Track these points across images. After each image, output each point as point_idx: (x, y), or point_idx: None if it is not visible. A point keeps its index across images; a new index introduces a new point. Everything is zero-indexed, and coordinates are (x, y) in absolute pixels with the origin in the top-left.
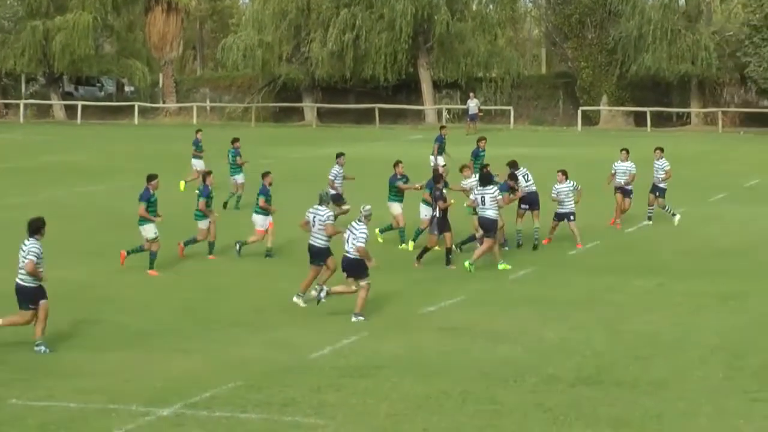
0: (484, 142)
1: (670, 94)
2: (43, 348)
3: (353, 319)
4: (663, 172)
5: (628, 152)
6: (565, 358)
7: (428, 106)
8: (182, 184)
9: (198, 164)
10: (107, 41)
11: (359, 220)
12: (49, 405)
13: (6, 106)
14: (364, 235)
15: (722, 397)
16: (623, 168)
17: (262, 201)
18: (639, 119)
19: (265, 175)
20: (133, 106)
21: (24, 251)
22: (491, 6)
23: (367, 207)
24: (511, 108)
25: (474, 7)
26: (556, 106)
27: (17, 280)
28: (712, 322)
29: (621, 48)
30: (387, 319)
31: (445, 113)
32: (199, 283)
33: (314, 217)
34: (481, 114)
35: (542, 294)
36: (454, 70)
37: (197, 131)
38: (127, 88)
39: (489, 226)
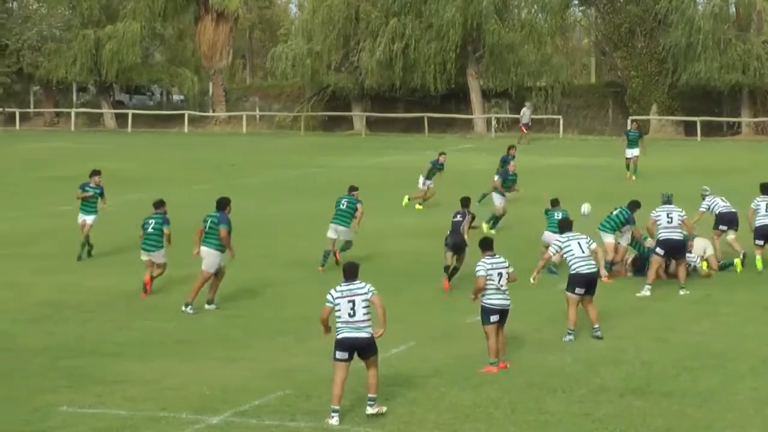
0: (513, 149)
1: (721, 104)
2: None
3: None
4: None
5: None
6: (614, 368)
7: (477, 115)
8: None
9: (426, 183)
10: (157, 50)
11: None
12: (100, 412)
13: (57, 114)
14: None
15: None
16: None
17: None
18: (689, 129)
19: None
20: (182, 114)
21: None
22: (541, 15)
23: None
24: (560, 117)
25: (523, 16)
26: (605, 116)
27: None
28: (761, 333)
29: (671, 57)
30: (434, 328)
31: (494, 122)
32: (244, 291)
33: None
34: (528, 124)
35: None
36: (504, 79)
37: (441, 154)
38: (175, 97)
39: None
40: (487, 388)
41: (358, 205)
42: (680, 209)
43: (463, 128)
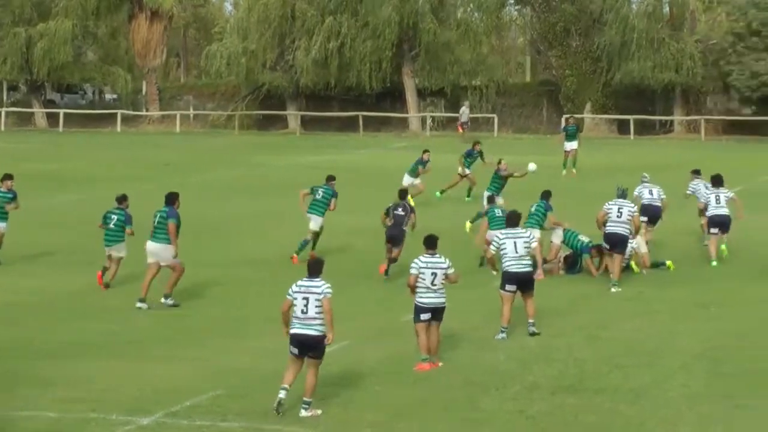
0: (479, 145)
1: (654, 102)
2: None
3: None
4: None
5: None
6: (547, 365)
7: (412, 114)
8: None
9: (409, 180)
10: (90, 48)
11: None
12: (28, 415)
13: None
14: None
15: (704, 404)
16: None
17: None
18: (622, 127)
19: None
20: (115, 114)
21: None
22: (476, 14)
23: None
24: (494, 116)
25: (459, 15)
26: (540, 115)
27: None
28: (692, 329)
29: (605, 56)
30: (369, 327)
31: (429, 121)
32: (188, 291)
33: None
34: (467, 123)
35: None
36: (440, 78)
37: (425, 151)
38: (108, 96)
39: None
40: (422, 387)
41: (333, 200)
42: (632, 205)
43: (399, 127)
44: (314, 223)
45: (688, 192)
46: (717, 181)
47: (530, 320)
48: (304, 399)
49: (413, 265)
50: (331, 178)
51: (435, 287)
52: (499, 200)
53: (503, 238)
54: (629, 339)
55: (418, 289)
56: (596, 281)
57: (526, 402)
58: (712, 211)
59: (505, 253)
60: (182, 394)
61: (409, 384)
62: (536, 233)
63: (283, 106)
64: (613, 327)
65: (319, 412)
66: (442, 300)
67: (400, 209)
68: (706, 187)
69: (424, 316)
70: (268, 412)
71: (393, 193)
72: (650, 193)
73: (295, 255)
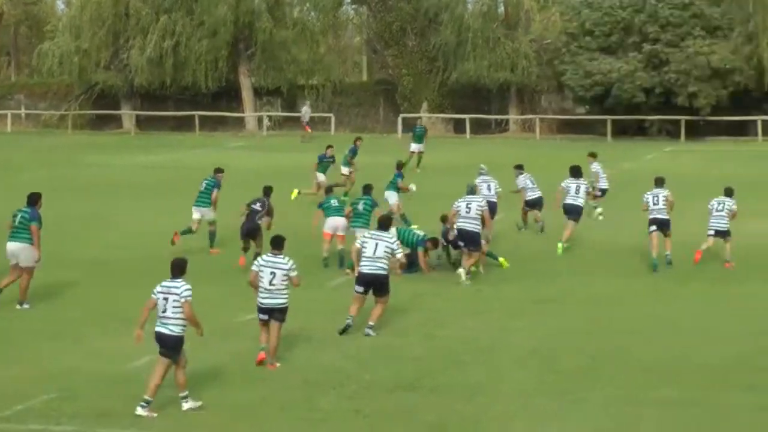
0: (360, 141)
1: (490, 102)
2: None
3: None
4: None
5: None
6: (384, 364)
7: (249, 114)
8: (294, 192)
9: (321, 177)
10: None
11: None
12: None
13: None
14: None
15: (538, 399)
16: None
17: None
18: (458, 126)
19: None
20: None
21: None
22: (313, 13)
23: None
24: (331, 115)
25: (295, 14)
26: (376, 114)
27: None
28: (527, 326)
29: (442, 56)
30: (206, 327)
31: (266, 120)
32: (15, 294)
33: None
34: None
35: None
36: (276, 77)
37: (328, 147)
38: None
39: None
40: (260, 387)
41: (214, 190)
42: (481, 199)
43: (235, 126)
44: (197, 214)
45: (518, 186)
46: (576, 172)
47: (370, 322)
48: (144, 397)
49: (254, 263)
50: (218, 171)
51: (273, 287)
52: (392, 200)
53: (368, 238)
54: (465, 336)
55: (259, 289)
56: (433, 279)
57: (363, 401)
58: (569, 201)
59: (364, 253)
60: (14, 398)
61: (247, 384)
62: (363, 232)
63: (118, 106)
64: (450, 325)
65: (155, 415)
66: (281, 301)
67: (258, 204)
68: (532, 182)
69: (262, 317)
70: (101, 414)
71: (234, 191)
72: (488, 189)
73: (214, 249)
